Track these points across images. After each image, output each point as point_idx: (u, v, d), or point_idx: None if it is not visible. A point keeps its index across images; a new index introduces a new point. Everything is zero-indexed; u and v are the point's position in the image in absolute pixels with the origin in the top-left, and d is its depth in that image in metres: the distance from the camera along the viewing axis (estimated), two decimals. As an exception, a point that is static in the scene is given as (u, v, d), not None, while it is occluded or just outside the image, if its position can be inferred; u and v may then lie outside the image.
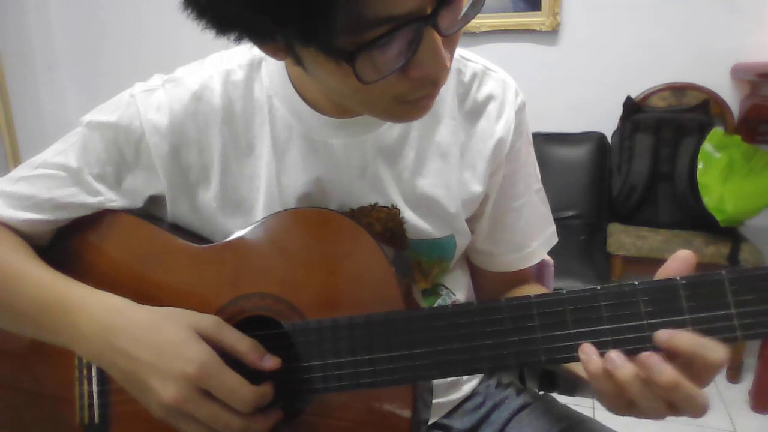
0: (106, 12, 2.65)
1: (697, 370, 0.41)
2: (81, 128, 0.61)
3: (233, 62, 0.59)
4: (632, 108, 2.06)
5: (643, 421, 0.45)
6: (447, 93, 0.61)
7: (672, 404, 0.42)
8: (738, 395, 1.90)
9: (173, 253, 0.60)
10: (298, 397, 0.54)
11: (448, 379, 0.70)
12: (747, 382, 1.93)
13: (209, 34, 0.43)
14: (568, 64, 2.20)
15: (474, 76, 0.62)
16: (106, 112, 0.60)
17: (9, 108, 2.46)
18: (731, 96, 2.03)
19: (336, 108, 0.57)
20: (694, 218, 1.92)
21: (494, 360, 0.47)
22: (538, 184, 0.69)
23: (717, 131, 1.88)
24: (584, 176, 2.11)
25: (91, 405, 0.60)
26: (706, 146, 1.85)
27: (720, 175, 1.80)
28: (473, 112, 0.62)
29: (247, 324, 0.55)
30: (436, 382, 0.65)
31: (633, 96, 2.09)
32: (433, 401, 0.64)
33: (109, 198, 0.61)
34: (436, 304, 0.68)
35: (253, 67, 0.59)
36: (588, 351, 0.44)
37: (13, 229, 0.61)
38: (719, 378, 1.97)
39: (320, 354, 0.52)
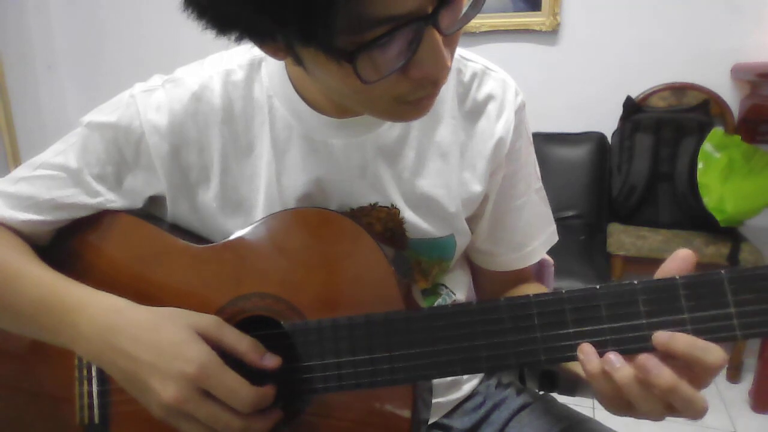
0: (106, 12, 2.65)
1: (696, 372, 0.41)
2: (81, 129, 0.61)
3: (233, 62, 0.59)
4: (632, 108, 2.06)
5: (643, 421, 0.46)
6: (447, 93, 0.61)
7: (670, 406, 0.42)
8: (738, 395, 1.90)
9: (173, 253, 0.60)
10: (298, 397, 0.54)
11: (448, 378, 0.70)
12: (747, 382, 1.93)
13: (209, 34, 0.43)
14: (568, 64, 2.20)
15: (474, 75, 0.62)
16: (105, 113, 0.60)
17: (9, 108, 2.46)
18: (731, 96, 2.03)
19: (336, 108, 0.57)
20: (694, 218, 1.92)
21: (494, 359, 0.47)
22: (539, 184, 0.69)
23: (717, 131, 1.88)
24: (584, 176, 2.11)
25: (91, 405, 0.60)
26: (706, 146, 1.85)
27: (720, 175, 1.80)
28: (473, 112, 0.62)
29: (247, 324, 0.55)
30: (436, 381, 0.65)
31: (633, 96, 2.09)
32: (433, 401, 0.64)
33: (108, 198, 0.61)
34: (436, 304, 0.68)
35: (253, 67, 0.59)
36: (587, 351, 0.44)
37: (13, 230, 0.61)
38: (719, 378, 1.97)
39: (320, 354, 0.52)
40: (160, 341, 0.49)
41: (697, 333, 0.42)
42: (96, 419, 0.59)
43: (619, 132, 2.08)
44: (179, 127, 0.58)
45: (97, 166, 0.60)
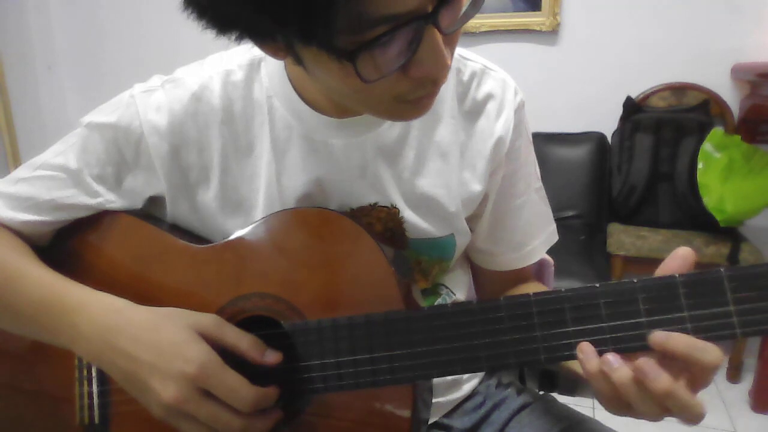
0: (106, 12, 2.65)
1: (694, 372, 0.41)
2: (81, 129, 0.61)
3: (233, 62, 0.59)
4: (632, 108, 2.06)
5: (643, 421, 0.46)
6: (446, 92, 0.61)
7: (668, 409, 0.42)
8: (738, 395, 1.90)
9: (173, 253, 0.60)
10: (298, 397, 0.54)
11: (448, 378, 0.70)
12: (747, 382, 1.93)
13: (209, 34, 0.43)
14: (568, 64, 2.20)
15: (473, 75, 0.62)
16: (105, 113, 0.60)
17: (9, 108, 2.47)
18: (731, 96, 2.03)
19: (336, 108, 0.57)
20: (694, 218, 1.92)
21: (494, 359, 0.47)
22: (538, 183, 0.69)
23: (717, 131, 1.88)
24: (584, 176, 2.11)
25: (91, 405, 0.60)
26: (706, 146, 1.85)
27: (720, 175, 1.80)
28: (473, 112, 0.62)
29: (247, 324, 0.55)
30: (436, 381, 0.65)
31: (633, 96, 2.09)
32: (433, 401, 0.64)
33: (108, 199, 0.61)
34: (436, 304, 0.68)
35: (253, 67, 0.59)
36: (586, 350, 0.44)
37: (13, 231, 0.61)
38: (719, 378, 1.97)
39: (320, 354, 0.52)
40: (160, 341, 0.49)
41: (696, 331, 0.42)
42: (96, 419, 0.59)
43: (619, 132, 2.08)
44: (179, 128, 0.58)
45: (96, 167, 0.60)
